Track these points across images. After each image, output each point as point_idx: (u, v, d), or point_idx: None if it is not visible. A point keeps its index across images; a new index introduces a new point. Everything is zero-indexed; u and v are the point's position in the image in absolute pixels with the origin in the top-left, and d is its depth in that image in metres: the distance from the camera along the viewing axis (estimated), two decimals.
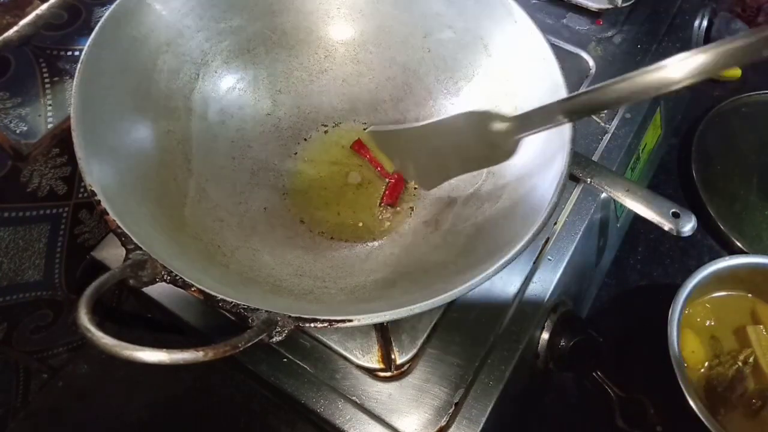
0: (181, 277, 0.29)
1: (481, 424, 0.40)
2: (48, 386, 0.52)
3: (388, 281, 0.39)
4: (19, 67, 0.42)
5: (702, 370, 0.54)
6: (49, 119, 0.42)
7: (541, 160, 0.39)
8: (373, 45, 0.49)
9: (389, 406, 0.40)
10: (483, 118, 0.37)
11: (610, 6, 0.62)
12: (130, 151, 0.37)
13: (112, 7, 0.37)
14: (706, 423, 0.46)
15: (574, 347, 0.45)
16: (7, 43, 0.39)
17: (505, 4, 0.43)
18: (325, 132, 0.48)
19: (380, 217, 0.44)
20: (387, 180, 0.46)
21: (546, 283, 0.46)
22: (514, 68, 0.43)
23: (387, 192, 0.45)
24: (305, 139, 0.48)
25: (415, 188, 0.46)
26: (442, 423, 0.40)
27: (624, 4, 0.61)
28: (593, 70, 0.60)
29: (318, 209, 0.44)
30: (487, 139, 0.37)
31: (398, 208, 0.45)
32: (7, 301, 0.44)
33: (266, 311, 0.28)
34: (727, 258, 0.55)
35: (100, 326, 0.25)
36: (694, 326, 0.56)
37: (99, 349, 0.25)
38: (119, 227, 0.29)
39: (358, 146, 0.47)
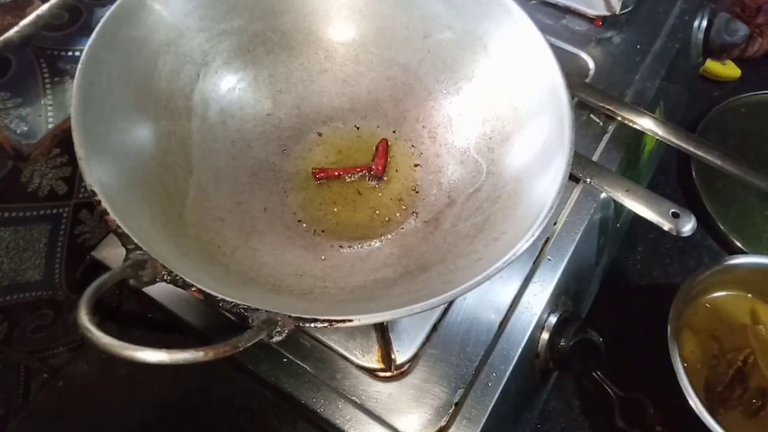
0: (181, 277, 0.29)
1: (481, 424, 0.40)
2: (48, 386, 0.52)
3: (388, 281, 0.39)
4: (19, 67, 0.42)
5: (702, 370, 0.54)
6: (50, 119, 0.42)
7: (541, 160, 0.39)
8: (373, 46, 0.49)
9: (389, 406, 0.40)
10: None
11: (607, 13, 0.62)
12: (131, 151, 0.37)
13: (113, 7, 0.37)
14: (705, 423, 0.46)
15: (574, 347, 0.45)
16: (7, 43, 0.39)
17: (504, 5, 0.43)
18: (325, 132, 0.48)
19: (380, 217, 0.44)
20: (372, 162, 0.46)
21: (546, 283, 0.46)
22: (514, 69, 0.43)
23: (375, 163, 0.45)
24: (305, 139, 0.48)
25: (415, 191, 0.46)
26: (442, 423, 0.40)
27: (622, 12, 0.61)
28: (593, 71, 0.60)
29: (318, 209, 0.44)
30: None
31: (398, 203, 0.45)
32: (7, 300, 0.44)
33: (266, 311, 0.28)
34: (726, 258, 0.55)
35: (101, 326, 0.25)
36: (694, 326, 0.56)
37: (99, 349, 0.25)
38: (119, 227, 0.29)
39: (321, 173, 0.46)
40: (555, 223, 0.49)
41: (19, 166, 0.40)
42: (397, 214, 0.44)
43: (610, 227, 0.57)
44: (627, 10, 0.62)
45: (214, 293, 0.29)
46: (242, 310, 0.28)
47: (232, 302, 0.29)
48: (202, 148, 0.42)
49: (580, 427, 0.57)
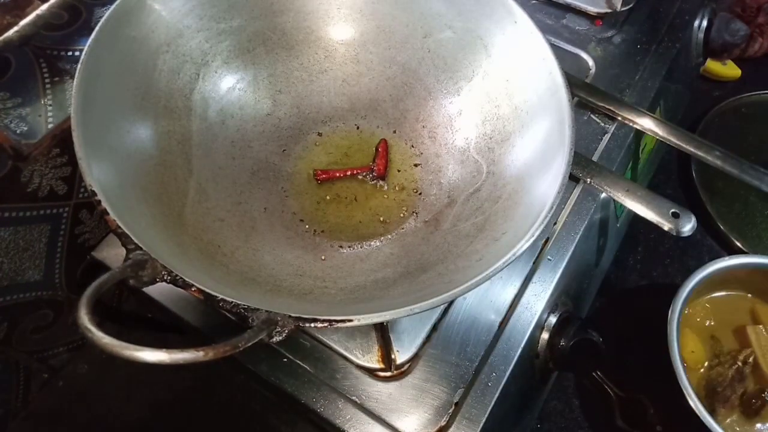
0: (181, 277, 0.29)
1: (481, 424, 0.40)
2: (48, 386, 0.52)
3: (388, 281, 0.39)
4: (19, 67, 0.42)
5: (702, 370, 0.54)
6: (50, 119, 0.42)
7: (541, 160, 0.39)
8: (373, 45, 0.49)
9: (389, 406, 0.40)
10: None
11: (608, 10, 0.62)
12: (131, 151, 0.37)
13: (113, 7, 0.37)
14: (705, 423, 0.46)
15: (574, 347, 0.45)
16: (7, 43, 0.39)
17: (505, 4, 0.43)
18: (325, 132, 0.48)
19: (380, 217, 0.44)
20: (373, 163, 0.46)
21: (546, 283, 0.46)
22: (514, 68, 0.43)
23: (376, 164, 0.45)
24: (305, 139, 0.48)
25: (415, 191, 0.46)
26: (442, 423, 0.40)
27: (623, 8, 0.61)
28: (593, 71, 0.60)
29: (318, 209, 0.44)
30: None
31: (400, 208, 0.45)
32: (7, 301, 0.44)
33: (266, 311, 0.28)
34: (726, 258, 0.55)
35: (101, 326, 0.25)
36: (694, 326, 0.56)
37: (99, 349, 0.25)
38: (119, 227, 0.29)
39: (322, 175, 0.45)
40: (555, 223, 0.49)
41: (18, 166, 0.40)
42: (398, 215, 0.44)
43: (610, 227, 0.57)
44: (628, 6, 0.62)
45: (214, 293, 0.29)
46: (242, 310, 0.28)
47: (232, 302, 0.29)
48: (201, 148, 0.42)
49: (580, 427, 0.57)
